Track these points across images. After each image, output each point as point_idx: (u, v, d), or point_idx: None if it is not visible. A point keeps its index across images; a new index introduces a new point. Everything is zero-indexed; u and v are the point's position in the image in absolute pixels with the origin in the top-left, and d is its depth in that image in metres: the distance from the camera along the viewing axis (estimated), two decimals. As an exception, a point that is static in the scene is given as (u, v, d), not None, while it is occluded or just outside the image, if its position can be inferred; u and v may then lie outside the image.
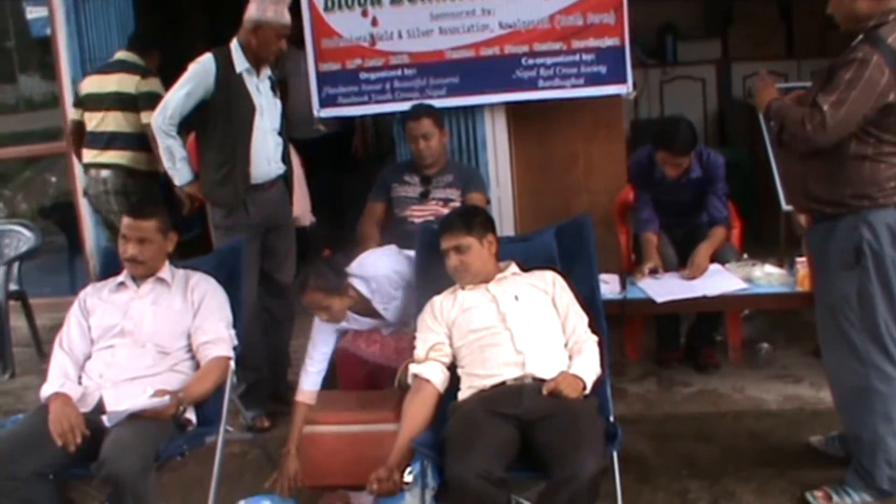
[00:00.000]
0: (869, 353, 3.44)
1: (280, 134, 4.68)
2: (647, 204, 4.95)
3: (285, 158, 4.76)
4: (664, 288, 4.54)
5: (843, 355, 3.51)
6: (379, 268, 4.07)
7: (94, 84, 5.39)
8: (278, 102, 4.70)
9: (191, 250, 4.49)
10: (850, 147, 3.33)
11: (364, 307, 4.07)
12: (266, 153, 4.57)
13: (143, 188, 5.33)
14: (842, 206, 3.39)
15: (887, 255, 3.37)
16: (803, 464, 3.92)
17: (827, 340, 3.60)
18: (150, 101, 4.91)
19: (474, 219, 3.64)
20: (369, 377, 4.31)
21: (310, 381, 4.03)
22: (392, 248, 4.24)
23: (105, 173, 5.32)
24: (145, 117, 5.02)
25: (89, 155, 5.38)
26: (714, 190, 4.85)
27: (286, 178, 4.78)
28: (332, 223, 6.99)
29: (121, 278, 3.84)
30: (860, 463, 3.56)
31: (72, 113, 5.68)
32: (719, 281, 4.55)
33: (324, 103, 5.64)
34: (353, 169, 7.53)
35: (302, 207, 5.66)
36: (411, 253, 4.13)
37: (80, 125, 5.54)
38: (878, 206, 3.36)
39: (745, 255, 4.84)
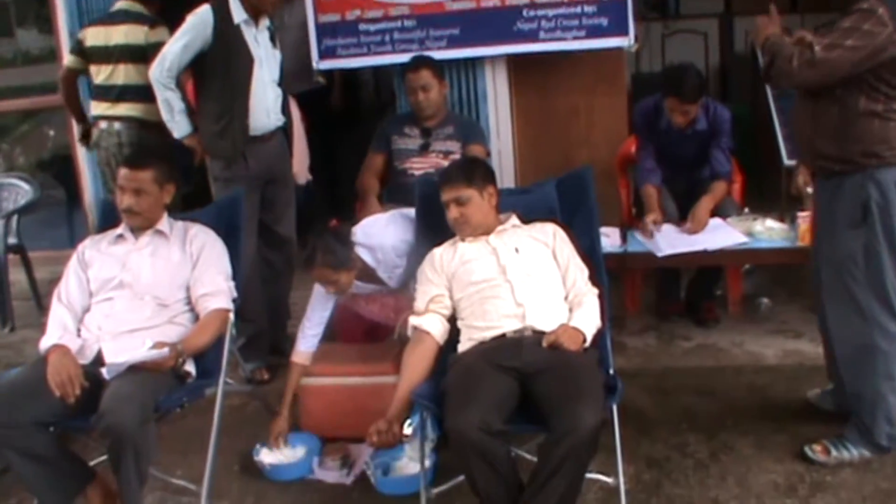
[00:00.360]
0: (873, 311, 3.43)
1: (279, 85, 4.65)
2: (650, 154, 4.93)
3: (285, 110, 4.73)
4: (665, 242, 4.52)
5: (847, 313, 3.50)
6: (385, 238, 4.03)
7: (100, 36, 5.30)
8: (277, 53, 4.66)
9: (193, 202, 4.48)
10: (859, 104, 3.30)
11: (367, 275, 4.05)
12: (265, 105, 4.54)
13: (157, 140, 5.29)
14: (850, 163, 3.37)
15: (894, 213, 3.36)
16: (802, 418, 3.92)
17: (831, 298, 3.58)
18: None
19: (475, 171, 3.61)
20: (368, 333, 4.31)
21: (306, 342, 4.05)
22: (396, 214, 4.18)
23: (118, 126, 5.24)
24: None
25: (100, 108, 5.30)
26: (718, 143, 4.83)
27: (286, 130, 4.75)
28: (327, 180, 7.00)
29: (119, 231, 3.82)
30: (860, 419, 3.56)
31: (68, 60, 5.58)
32: (720, 235, 4.54)
33: (323, 55, 5.61)
34: (343, 124, 7.49)
35: (300, 164, 5.64)
36: (412, 211, 4.10)
37: (74, 73, 5.44)
38: (886, 164, 3.33)
39: (747, 210, 4.84)
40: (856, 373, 3.56)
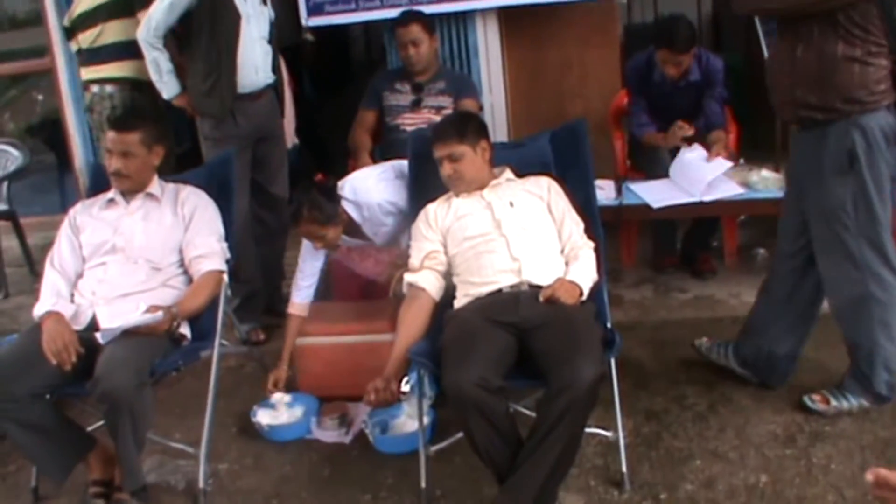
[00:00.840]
0: (866, 259, 3.41)
1: (270, 42, 4.60)
2: (643, 109, 4.92)
3: (276, 68, 4.68)
4: (660, 193, 4.50)
5: (839, 262, 3.47)
6: (372, 195, 4.00)
7: (84, 2, 5.24)
8: (266, 9, 4.61)
9: (187, 163, 4.46)
10: (837, 50, 3.25)
11: (354, 229, 4.03)
12: (254, 62, 4.50)
13: (149, 102, 5.22)
14: (832, 111, 3.33)
15: (881, 158, 3.34)
16: (800, 369, 3.91)
17: (823, 249, 3.55)
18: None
19: (467, 126, 3.57)
20: (364, 289, 4.30)
21: (301, 294, 4.05)
22: (388, 170, 4.16)
23: (109, 89, 5.18)
24: (143, 17, 4.91)
25: (89, 72, 5.22)
26: (712, 94, 4.83)
27: (276, 87, 4.71)
28: (316, 140, 6.98)
29: (110, 195, 3.78)
30: (858, 368, 3.55)
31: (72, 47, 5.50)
32: (716, 186, 4.51)
33: (311, 11, 5.55)
34: (333, 81, 7.47)
35: (287, 127, 5.63)
36: (404, 164, 4.07)
37: None
38: (868, 110, 3.30)
39: (742, 160, 4.81)
40: (852, 322, 3.55)
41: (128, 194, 3.75)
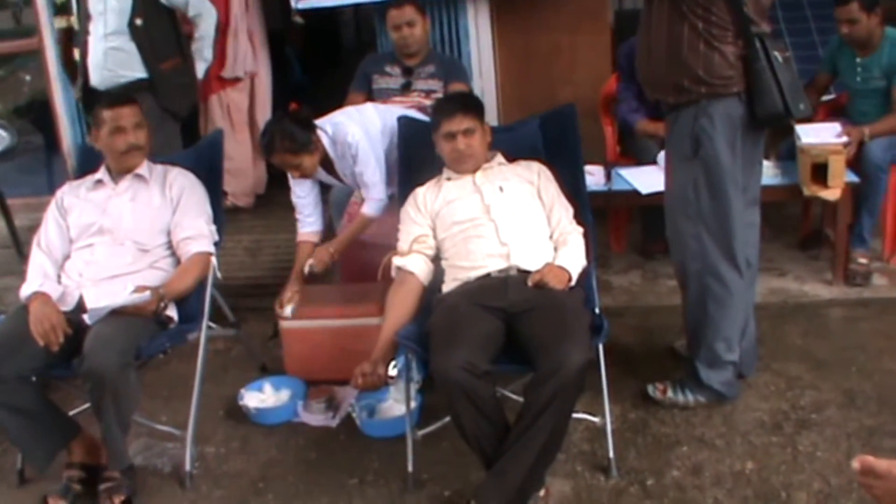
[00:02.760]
0: (705, 249, 3.41)
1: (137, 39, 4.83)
2: (633, 96, 4.90)
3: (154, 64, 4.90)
4: (649, 179, 4.50)
5: (682, 251, 3.48)
6: (347, 133, 4.01)
7: None
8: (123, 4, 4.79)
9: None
10: (684, 31, 3.24)
11: (329, 164, 4.08)
12: (95, 61, 4.80)
13: None
14: (682, 92, 3.32)
15: (727, 146, 3.31)
16: (786, 357, 3.93)
17: (670, 236, 3.56)
18: None
19: (476, 103, 3.61)
20: (367, 266, 4.28)
21: (307, 226, 4.15)
22: (374, 122, 4.18)
23: None
24: None
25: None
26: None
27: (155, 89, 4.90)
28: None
29: (98, 175, 3.76)
30: (694, 364, 3.58)
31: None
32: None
33: (301, -5, 5.53)
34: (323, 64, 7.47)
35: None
36: (393, 114, 4.10)
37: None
38: (715, 95, 3.28)
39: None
40: (692, 315, 3.56)
41: (116, 175, 3.73)
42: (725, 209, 3.36)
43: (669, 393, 3.62)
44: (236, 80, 5.95)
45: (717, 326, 3.48)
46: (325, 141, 3.98)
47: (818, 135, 4.42)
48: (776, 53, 3.26)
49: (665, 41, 3.29)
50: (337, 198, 4.49)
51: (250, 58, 5.97)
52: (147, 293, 3.31)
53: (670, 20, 3.27)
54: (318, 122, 4.00)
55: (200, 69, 5.11)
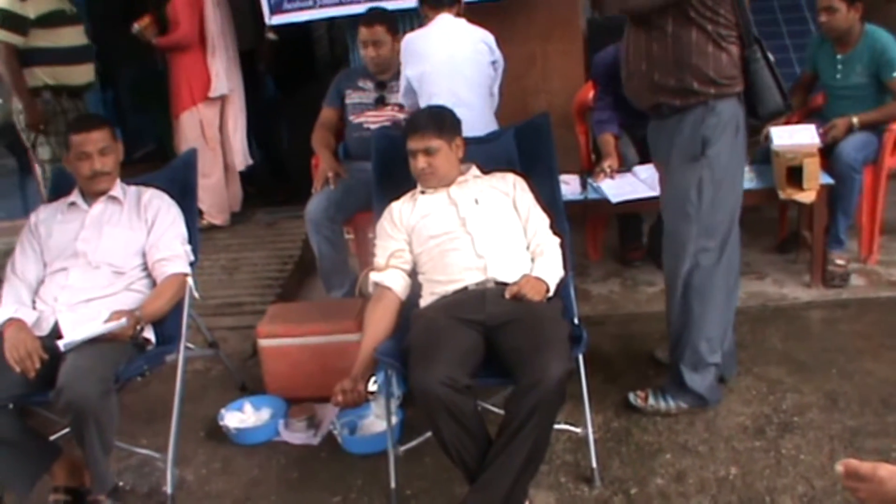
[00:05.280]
0: (700, 249, 3.44)
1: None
2: (608, 105, 4.90)
3: None
4: (621, 188, 4.50)
5: (679, 252, 3.49)
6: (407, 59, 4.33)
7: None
8: None
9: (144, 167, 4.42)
10: (692, 36, 3.27)
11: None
12: None
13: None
14: (690, 94, 3.34)
15: (730, 145, 3.37)
16: (767, 361, 3.94)
17: (666, 242, 3.59)
18: None
19: (445, 120, 3.54)
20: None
21: None
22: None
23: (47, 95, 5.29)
24: None
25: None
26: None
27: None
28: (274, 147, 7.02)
29: (72, 198, 3.74)
30: (677, 368, 3.59)
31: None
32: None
33: (273, 10, 5.51)
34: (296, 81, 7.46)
35: (235, 145, 5.99)
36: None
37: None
38: (722, 95, 3.33)
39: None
40: (675, 319, 3.57)
41: (89, 198, 3.71)
42: (726, 207, 3.41)
43: (651, 400, 3.62)
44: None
45: (700, 326, 3.49)
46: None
47: (792, 137, 4.43)
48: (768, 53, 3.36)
49: (671, 49, 3.31)
50: (313, 215, 4.47)
51: (233, 74, 6.00)
52: (123, 320, 3.28)
53: (676, 30, 3.29)
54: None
55: None
